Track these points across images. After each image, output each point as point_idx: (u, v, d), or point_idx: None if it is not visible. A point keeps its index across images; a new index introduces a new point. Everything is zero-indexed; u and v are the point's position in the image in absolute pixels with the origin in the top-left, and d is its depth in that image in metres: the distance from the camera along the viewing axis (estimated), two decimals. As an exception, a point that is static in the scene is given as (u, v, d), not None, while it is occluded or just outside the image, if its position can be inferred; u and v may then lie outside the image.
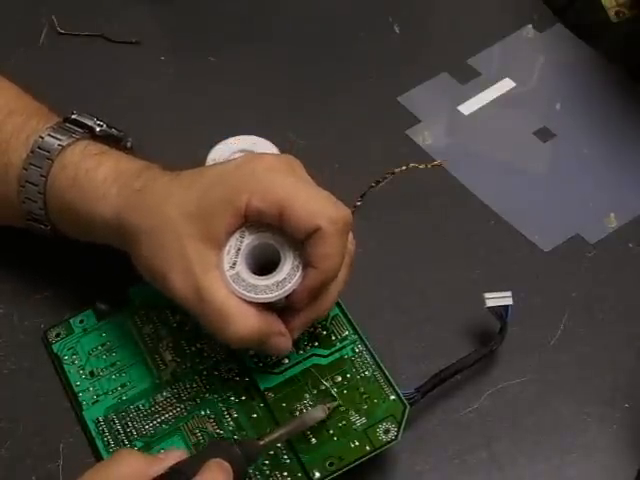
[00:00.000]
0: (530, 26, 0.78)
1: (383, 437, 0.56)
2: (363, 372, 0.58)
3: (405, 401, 0.56)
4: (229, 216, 0.56)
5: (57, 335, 0.63)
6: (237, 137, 0.69)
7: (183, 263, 0.55)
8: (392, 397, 0.57)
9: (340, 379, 0.58)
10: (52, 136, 0.61)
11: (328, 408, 0.56)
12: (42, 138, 0.61)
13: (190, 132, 0.73)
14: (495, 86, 0.76)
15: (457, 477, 0.58)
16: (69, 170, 0.60)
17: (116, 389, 0.60)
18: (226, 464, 0.51)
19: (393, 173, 0.67)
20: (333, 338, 0.59)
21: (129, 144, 0.65)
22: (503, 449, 0.59)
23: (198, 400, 0.59)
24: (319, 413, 0.56)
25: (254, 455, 0.53)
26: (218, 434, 0.58)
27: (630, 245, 0.67)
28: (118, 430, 0.59)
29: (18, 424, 0.60)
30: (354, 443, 0.56)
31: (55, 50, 0.78)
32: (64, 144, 0.61)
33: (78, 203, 0.60)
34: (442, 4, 0.82)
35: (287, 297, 0.56)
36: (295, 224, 0.55)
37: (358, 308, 0.60)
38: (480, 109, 0.74)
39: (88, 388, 0.61)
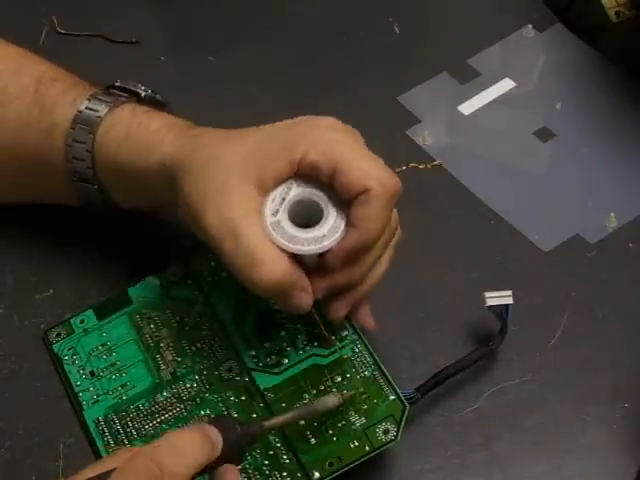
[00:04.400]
0: (530, 26, 0.78)
1: (383, 437, 0.56)
2: (363, 372, 0.58)
3: (405, 401, 0.56)
4: (282, 163, 0.56)
5: (57, 335, 0.63)
6: (237, 137, 0.69)
7: (224, 197, 0.55)
8: (392, 397, 0.57)
9: (340, 379, 0.58)
10: (100, 99, 0.62)
11: (342, 396, 0.56)
12: (89, 100, 0.62)
13: (190, 132, 0.73)
14: (495, 86, 0.76)
15: (457, 477, 0.58)
16: (119, 127, 0.61)
17: (116, 389, 0.60)
18: (209, 430, 0.50)
19: (393, 173, 0.67)
20: (333, 338, 0.59)
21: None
22: (503, 449, 0.59)
23: (198, 400, 0.59)
24: (331, 400, 0.56)
25: (255, 437, 0.53)
26: None
27: (630, 245, 0.67)
28: (118, 430, 0.59)
29: (18, 424, 0.60)
30: (354, 443, 0.56)
31: (55, 50, 0.78)
32: (112, 105, 0.62)
33: (129, 158, 0.60)
34: (442, 4, 0.82)
35: (319, 257, 0.56)
36: (346, 182, 0.55)
37: (358, 308, 0.60)
38: (480, 109, 0.74)
39: (88, 388, 0.61)
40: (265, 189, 0.56)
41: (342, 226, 0.56)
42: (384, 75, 0.77)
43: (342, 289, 0.58)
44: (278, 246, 0.55)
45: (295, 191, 0.56)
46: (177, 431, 0.51)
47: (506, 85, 0.76)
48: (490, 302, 0.61)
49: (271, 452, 0.56)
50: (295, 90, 0.76)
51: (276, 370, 0.59)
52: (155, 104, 0.64)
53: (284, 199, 0.56)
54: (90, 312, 0.63)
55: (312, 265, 0.57)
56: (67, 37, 0.79)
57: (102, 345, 0.62)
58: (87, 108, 0.62)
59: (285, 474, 0.56)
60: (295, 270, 0.56)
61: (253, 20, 0.81)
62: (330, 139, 0.56)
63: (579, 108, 0.74)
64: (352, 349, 0.59)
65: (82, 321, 0.63)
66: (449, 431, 0.60)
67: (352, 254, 0.56)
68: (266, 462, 0.56)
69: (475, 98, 0.75)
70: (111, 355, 0.62)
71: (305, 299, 0.56)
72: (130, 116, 0.61)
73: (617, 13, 0.74)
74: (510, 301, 0.60)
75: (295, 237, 0.55)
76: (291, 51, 0.79)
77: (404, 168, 0.67)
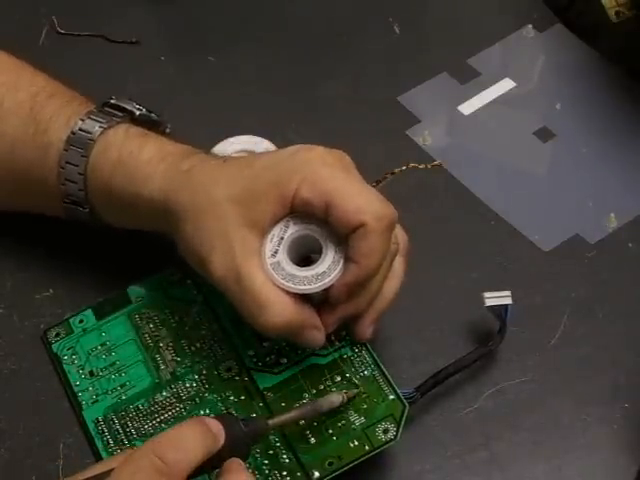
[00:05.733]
0: (530, 26, 0.79)
1: (382, 437, 0.56)
2: (362, 372, 0.58)
3: (404, 401, 0.56)
4: (275, 203, 0.56)
5: (57, 335, 0.63)
6: (237, 137, 0.69)
7: (224, 245, 0.55)
8: (391, 397, 0.57)
9: (339, 379, 0.58)
10: (93, 119, 0.62)
11: (346, 394, 0.56)
12: (83, 120, 0.62)
13: (190, 132, 0.72)
14: (495, 86, 0.76)
15: (457, 477, 0.58)
16: (112, 151, 0.61)
17: (115, 389, 0.60)
18: (210, 422, 0.51)
19: (393, 173, 0.67)
20: (332, 338, 0.59)
21: (168, 130, 0.65)
22: (503, 449, 0.59)
23: (197, 400, 0.59)
24: (335, 399, 0.56)
25: (260, 434, 0.53)
26: None
27: (630, 245, 0.67)
28: (117, 430, 0.59)
29: (18, 424, 0.60)
30: (353, 443, 0.56)
31: (55, 50, 0.78)
32: (105, 126, 0.61)
33: (121, 184, 0.60)
34: (442, 4, 0.82)
35: (325, 291, 0.56)
36: (341, 218, 0.55)
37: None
38: (480, 109, 0.74)
39: (88, 388, 0.61)
40: (262, 230, 0.56)
41: (342, 261, 0.56)
42: (384, 75, 0.77)
43: (354, 317, 0.58)
44: (281, 287, 0.55)
45: (292, 229, 0.57)
46: (177, 425, 0.51)
47: (506, 85, 0.76)
48: (489, 302, 0.61)
49: (271, 452, 0.56)
50: (295, 90, 0.76)
51: (275, 370, 0.59)
52: (150, 123, 0.64)
53: (282, 238, 0.56)
54: (89, 312, 0.63)
55: (318, 300, 0.57)
56: (67, 37, 0.79)
57: (101, 345, 0.62)
58: (80, 129, 0.61)
59: (285, 473, 0.56)
60: (302, 309, 0.56)
61: (253, 20, 0.81)
62: (320, 175, 0.56)
63: (579, 108, 0.74)
64: (351, 348, 0.59)
65: (81, 321, 0.63)
66: (449, 431, 0.59)
67: (354, 287, 0.56)
68: (266, 461, 0.56)
69: (475, 98, 0.75)
70: (110, 355, 0.62)
71: (317, 336, 0.57)
72: (123, 139, 0.61)
73: (617, 13, 0.74)
74: (509, 301, 0.61)
75: (296, 276, 0.56)
76: (291, 51, 0.79)
77: (404, 168, 0.67)
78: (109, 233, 0.66)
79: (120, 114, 0.63)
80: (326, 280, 0.56)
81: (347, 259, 0.56)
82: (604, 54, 0.77)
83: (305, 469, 0.55)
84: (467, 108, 0.75)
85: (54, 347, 0.63)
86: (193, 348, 0.61)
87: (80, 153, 0.61)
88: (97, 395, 0.60)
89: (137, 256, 0.66)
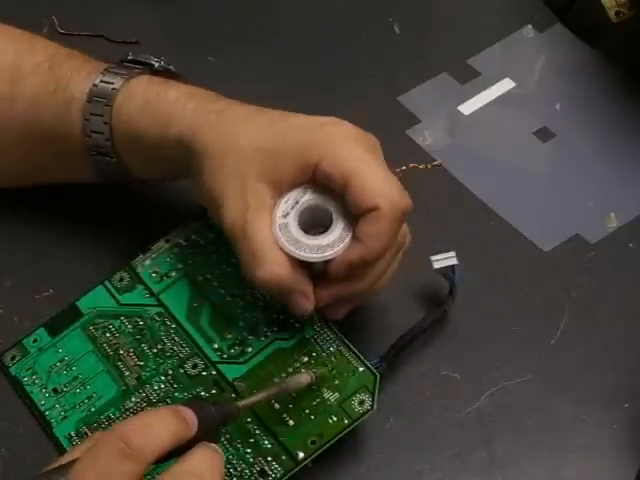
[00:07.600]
0: (530, 26, 0.79)
1: (359, 408, 0.56)
2: (328, 348, 0.58)
3: (374, 370, 0.56)
4: (297, 168, 0.56)
5: (12, 358, 0.62)
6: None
7: (239, 193, 0.56)
8: (361, 369, 0.57)
9: (307, 359, 0.58)
10: (113, 72, 0.62)
11: (314, 373, 0.56)
12: (103, 74, 0.62)
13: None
14: (495, 86, 0.76)
15: (457, 477, 0.58)
16: (136, 98, 0.61)
17: (83, 402, 0.59)
18: (182, 410, 0.50)
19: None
20: (292, 320, 0.59)
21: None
22: (503, 449, 0.59)
23: (169, 400, 0.58)
24: (303, 379, 0.56)
25: (231, 416, 0.53)
26: None
27: (630, 245, 0.67)
28: None
29: (18, 424, 0.60)
30: (332, 419, 0.56)
31: (55, 50, 0.78)
32: (127, 77, 0.62)
33: (147, 126, 0.60)
34: (442, 4, 0.82)
35: (325, 265, 0.56)
36: (357, 197, 0.55)
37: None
38: (480, 109, 0.74)
39: (54, 405, 0.60)
40: (279, 190, 0.57)
41: (347, 239, 0.56)
42: (384, 75, 0.77)
43: (346, 299, 0.58)
44: (281, 248, 0.55)
45: (308, 197, 0.57)
46: (148, 410, 0.50)
47: (506, 85, 0.76)
48: (437, 265, 0.62)
49: (252, 440, 0.56)
50: (295, 90, 0.76)
51: (241, 359, 0.59)
52: (169, 74, 0.65)
53: (297, 202, 0.57)
54: (42, 330, 0.62)
55: (318, 272, 0.57)
56: (67, 37, 0.79)
57: (60, 361, 0.61)
58: (102, 81, 0.62)
59: (270, 459, 0.56)
60: (297, 273, 0.56)
61: (253, 20, 0.81)
62: (345, 152, 0.56)
63: (579, 108, 0.74)
64: (313, 328, 0.59)
65: (35, 340, 0.62)
66: (449, 431, 0.59)
67: (355, 267, 0.56)
68: (248, 450, 0.56)
69: (475, 98, 0.75)
70: (71, 370, 0.61)
71: (305, 304, 0.57)
72: (147, 85, 0.62)
73: (617, 13, 0.74)
74: (455, 262, 0.61)
75: (300, 243, 0.56)
76: (291, 51, 0.79)
77: (404, 168, 0.67)
78: (110, 230, 0.66)
79: (140, 67, 0.64)
80: (327, 253, 0.56)
81: (354, 238, 0.56)
82: (604, 54, 0.77)
83: (289, 451, 0.55)
84: (467, 108, 0.75)
85: (12, 370, 0.61)
86: (155, 350, 0.60)
87: (104, 103, 0.61)
88: (65, 411, 0.59)
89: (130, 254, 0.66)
